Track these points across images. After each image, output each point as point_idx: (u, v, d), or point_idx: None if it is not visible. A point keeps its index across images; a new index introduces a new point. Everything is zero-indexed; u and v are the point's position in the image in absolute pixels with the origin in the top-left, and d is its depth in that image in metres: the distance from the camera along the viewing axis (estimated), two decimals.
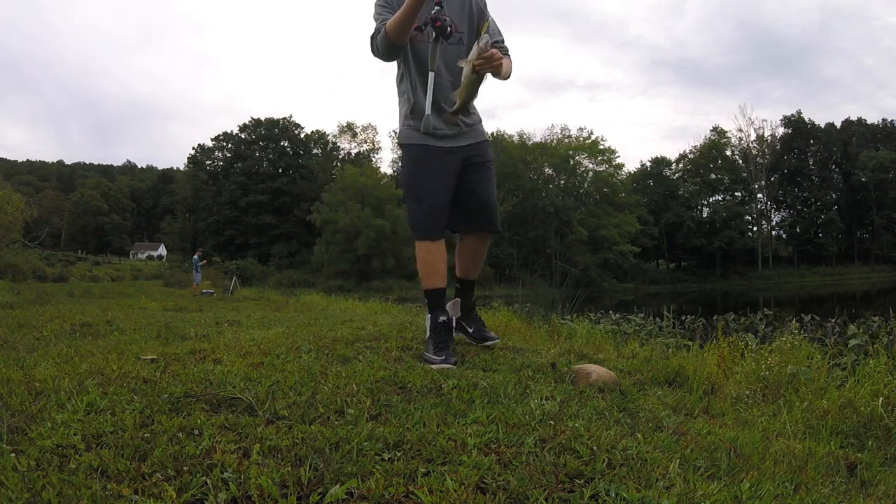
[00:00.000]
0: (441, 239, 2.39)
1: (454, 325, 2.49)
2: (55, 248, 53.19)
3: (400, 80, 2.45)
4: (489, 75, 2.21)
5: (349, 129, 58.50)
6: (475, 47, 2.08)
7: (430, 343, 2.29)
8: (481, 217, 2.47)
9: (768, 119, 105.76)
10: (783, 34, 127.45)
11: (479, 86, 2.21)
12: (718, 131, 59.64)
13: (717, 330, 3.70)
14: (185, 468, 1.02)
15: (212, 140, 59.22)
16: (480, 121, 2.54)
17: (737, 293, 36.08)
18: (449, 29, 2.19)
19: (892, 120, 61.60)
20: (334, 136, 59.40)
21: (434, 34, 2.20)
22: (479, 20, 2.40)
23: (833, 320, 6.80)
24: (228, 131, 59.01)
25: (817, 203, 58.93)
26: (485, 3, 2.47)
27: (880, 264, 54.28)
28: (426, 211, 2.33)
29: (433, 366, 2.08)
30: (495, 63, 2.11)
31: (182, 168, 70.79)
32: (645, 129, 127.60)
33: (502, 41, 2.46)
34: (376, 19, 2.31)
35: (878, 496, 1.30)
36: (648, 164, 61.84)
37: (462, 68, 2.16)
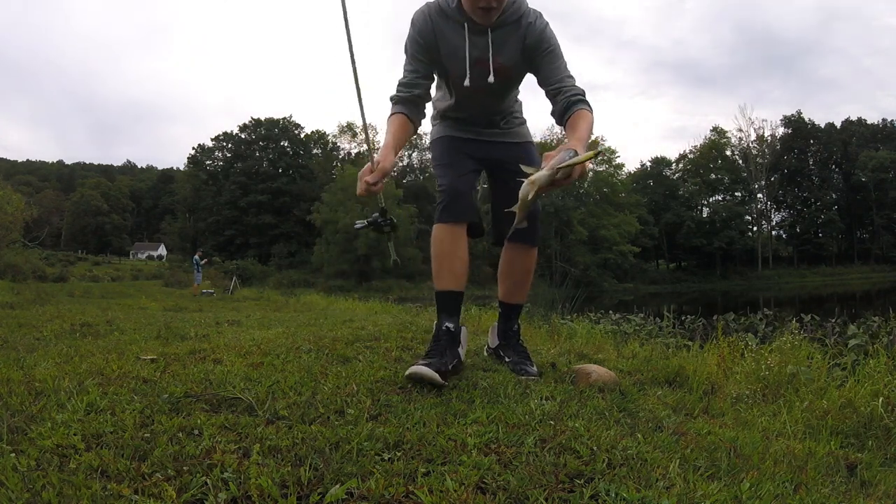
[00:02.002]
0: (456, 224, 2.04)
1: (492, 353, 2.32)
2: (55, 248, 53.21)
3: (438, 86, 2.23)
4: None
5: (349, 129, 58.55)
6: (546, 169, 1.56)
7: (427, 351, 1.99)
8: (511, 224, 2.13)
9: (768, 119, 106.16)
10: (782, 34, 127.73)
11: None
12: (718, 131, 59.79)
13: (717, 330, 3.70)
14: (185, 468, 1.02)
15: (212, 140, 59.32)
16: (523, 122, 2.29)
17: (737, 293, 36.08)
18: (386, 229, 2.12)
19: (892, 120, 61.78)
20: (334, 136, 59.54)
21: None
22: (535, 53, 1.96)
23: (833, 320, 6.80)
24: (228, 131, 59.13)
25: (817, 203, 58.99)
26: (543, 36, 1.95)
27: (880, 264, 54.30)
28: (440, 193, 2.09)
29: (410, 368, 1.73)
30: (571, 182, 1.61)
31: (182, 168, 70.93)
32: (645, 129, 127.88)
33: (573, 89, 1.91)
34: (405, 69, 2.05)
35: (878, 496, 1.30)
36: (648, 164, 61.97)
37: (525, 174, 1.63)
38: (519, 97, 2.28)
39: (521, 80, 2.18)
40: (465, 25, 1.94)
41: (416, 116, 2.07)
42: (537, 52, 1.96)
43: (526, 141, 2.28)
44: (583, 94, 1.91)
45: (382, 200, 2.14)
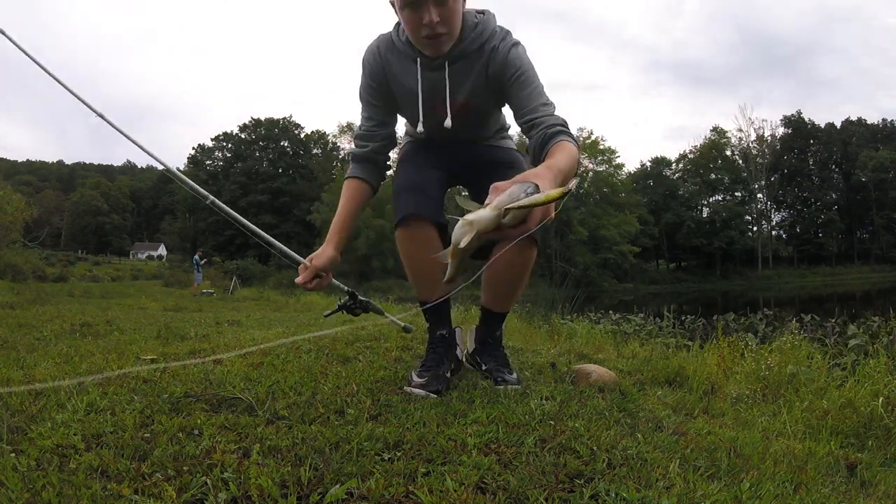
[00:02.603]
0: (416, 224, 1.71)
1: (469, 359, 2.07)
2: (55, 248, 53.27)
3: None
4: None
5: (349, 129, 58.56)
6: (490, 208, 1.10)
7: (422, 360, 1.87)
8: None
9: (768, 119, 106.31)
10: (782, 35, 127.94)
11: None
12: (718, 131, 59.93)
13: (717, 330, 3.70)
14: (185, 468, 1.02)
15: (212, 140, 59.45)
16: (507, 137, 2.02)
17: (737, 293, 36.08)
18: (358, 312, 1.96)
19: (892, 120, 61.81)
20: (334, 136, 59.57)
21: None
22: (501, 80, 1.67)
23: (833, 320, 6.79)
24: (228, 131, 59.30)
25: (817, 203, 59.08)
26: (508, 60, 1.65)
27: (880, 264, 54.37)
28: (394, 194, 1.80)
29: (406, 388, 1.69)
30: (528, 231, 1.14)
31: (182, 168, 70.90)
32: (645, 129, 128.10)
33: (550, 119, 1.57)
34: (361, 117, 1.88)
35: (878, 496, 1.30)
36: (648, 164, 62.04)
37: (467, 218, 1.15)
38: (504, 122, 2.01)
39: (494, 113, 1.89)
40: (418, 61, 1.69)
41: (374, 178, 1.89)
42: (504, 80, 1.66)
43: (510, 147, 2.00)
44: (564, 124, 1.56)
45: (344, 286, 2.03)
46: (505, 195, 1.11)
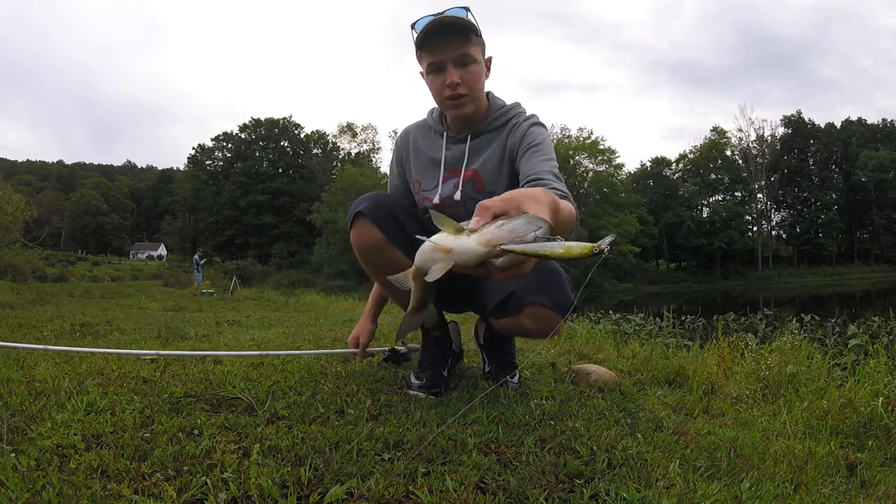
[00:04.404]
0: (365, 230, 1.56)
1: (478, 345, 2.10)
2: (55, 248, 53.24)
3: None
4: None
5: (349, 129, 58.64)
6: (478, 238, 0.91)
7: (418, 360, 1.86)
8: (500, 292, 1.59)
9: (768, 119, 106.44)
10: (781, 35, 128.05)
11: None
12: (718, 131, 59.93)
13: (717, 330, 3.70)
14: (185, 468, 1.02)
15: (212, 140, 59.54)
16: None
17: (737, 293, 36.10)
18: (401, 361, 2.05)
19: (892, 120, 61.80)
20: (334, 136, 59.67)
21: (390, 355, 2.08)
22: (516, 150, 1.66)
23: (833, 320, 6.80)
24: (228, 131, 59.41)
25: (817, 203, 59.10)
26: (527, 132, 1.66)
27: (880, 264, 54.43)
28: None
29: (409, 391, 1.68)
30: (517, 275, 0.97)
31: (182, 168, 71.24)
32: (645, 129, 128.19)
33: (553, 183, 1.46)
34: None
35: (878, 496, 1.30)
36: (648, 164, 62.02)
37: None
38: None
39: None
40: (444, 135, 1.77)
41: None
42: (519, 149, 1.64)
43: None
44: (568, 195, 1.40)
45: (384, 347, 2.17)
46: (505, 230, 0.88)
